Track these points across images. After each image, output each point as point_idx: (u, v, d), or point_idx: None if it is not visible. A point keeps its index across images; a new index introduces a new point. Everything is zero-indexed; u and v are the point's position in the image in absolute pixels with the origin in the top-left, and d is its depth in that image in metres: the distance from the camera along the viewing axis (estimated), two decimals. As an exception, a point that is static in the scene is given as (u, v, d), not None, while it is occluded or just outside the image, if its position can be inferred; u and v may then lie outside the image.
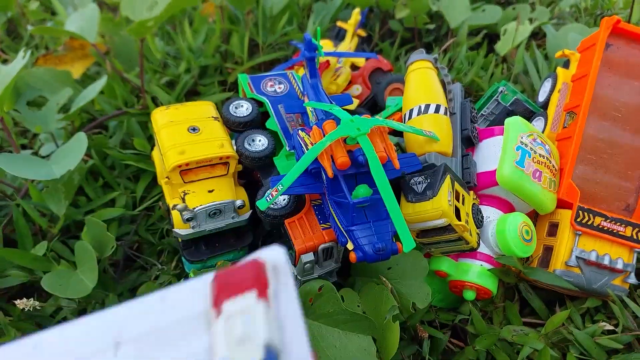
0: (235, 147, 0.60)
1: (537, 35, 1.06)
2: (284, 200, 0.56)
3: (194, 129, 0.61)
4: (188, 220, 0.56)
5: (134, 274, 0.69)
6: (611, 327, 0.53)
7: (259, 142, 0.61)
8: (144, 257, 0.71)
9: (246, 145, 0.60)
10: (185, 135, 0.59)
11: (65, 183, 0.67)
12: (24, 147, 0.93)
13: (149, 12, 0.79)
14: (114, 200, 0.75)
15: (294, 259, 0.54)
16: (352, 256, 0.46)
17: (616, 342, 0.52)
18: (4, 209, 0.73)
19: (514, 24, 0.89)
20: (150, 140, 0.82)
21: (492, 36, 1.06)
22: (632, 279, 0.57)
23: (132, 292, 0.66)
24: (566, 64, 0.72)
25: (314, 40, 0.63)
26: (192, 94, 0.92)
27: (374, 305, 0.54)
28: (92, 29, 0.81)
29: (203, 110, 0.64)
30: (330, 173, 0.45)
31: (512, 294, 0.63)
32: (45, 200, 0.67)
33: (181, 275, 0.68)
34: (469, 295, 0.57)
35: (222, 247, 0.62)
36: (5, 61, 1.12)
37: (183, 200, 0.57)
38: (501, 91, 0.75)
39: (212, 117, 0.63)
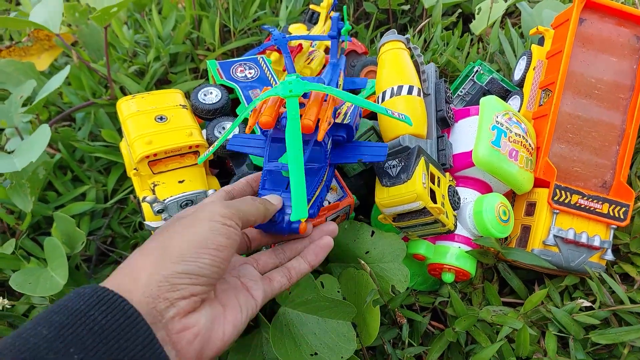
0: (205, 136, 0.59)
1: (512, 14, 1.05)
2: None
3: (161, 118, 0.59)
4: (159, 212, 0.54)
5: (108, 268, 0.67)
6: (589, 304, 0.53)
7: (230, 130, 0.59)
8: (117, 250, 0.69)
9: (216, 134, 0.58)
10: (153, 124, 0.57)
11: (30, 178, 0.64)
12: (-11, 143, 0.89)
13: (113, -1, 0.76)
14: (84, 194, 0.73)
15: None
16: None
17: (593, 318, 0.52)
18: (-32, 208, 0.71)
19: (488, 2, 0.88)
20: (120, 131, 0.79)
21: (467, 16, 1.05)
22: (609, 256, 0.57)
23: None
24: (541, 41, 0.71)
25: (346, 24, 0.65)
26: (162, 83, 0.90)
27: (354, 290, 0.54)
28: (56, 19, 0.78)
29: (170, 98, 0.62)
30: (247, 129, 0.44)
31: (491, 274, 0.62)
32: (10, 197, 0.64)
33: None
34: (448, 277, 0.57)
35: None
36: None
37: (153, 191, 0.55)
38: (477, 71, 0.74)
39: (180, 105, 0.61)
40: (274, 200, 0.42)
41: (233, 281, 0.38)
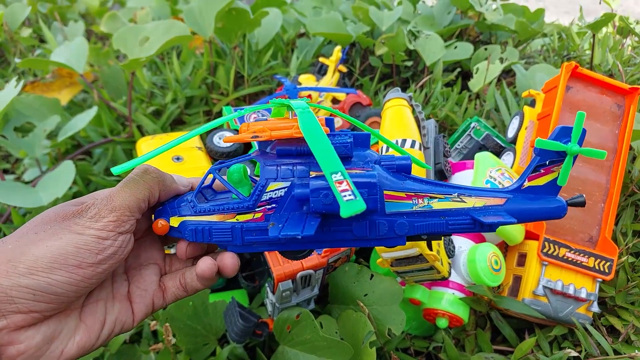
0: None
1: (509, 73, 1.12)
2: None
3: (177, 158, 0.63)
4: (169, 248, 0.57)
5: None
6: (576, 354, 0.56)
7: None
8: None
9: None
10: (170, 164, 0.61)
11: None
12: (5, 171, 0.93)
13: (141, 46, 0.82)
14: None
15: (273, 287, 0.55)
16: None
17: (580, 369, 0.54)
18: (-15, 234, 0.74)
19: (486, 63, 0.95)
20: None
21: (465, 73, 1.12)
22: (595, 308, 0.60)
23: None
24: (533, 103, 0.77)
25: None
26: (177, 123, 0.95)
27: (352, 331, 0.56)
28: (80, 60, 0.84)
29: (187, 140, 0.66)
30: (235, 138, 0.34)
31: (484, 322, 0.65)
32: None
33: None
34: (442, 322, 0.59)
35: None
36: (-9, 87, 1.13)
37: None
38: (473, 127, 0.79)
39: (196, 147, 0.65)
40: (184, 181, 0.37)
41: (118, 289, 0.34)
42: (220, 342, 0.62)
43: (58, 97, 1.05)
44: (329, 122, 0.35)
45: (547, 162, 0.33)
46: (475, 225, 0.34)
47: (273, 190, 0.32)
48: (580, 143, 0.32)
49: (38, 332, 0.29)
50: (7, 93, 0.70)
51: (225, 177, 0.35)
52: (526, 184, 0.35)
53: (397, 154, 0.36)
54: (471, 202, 0.35)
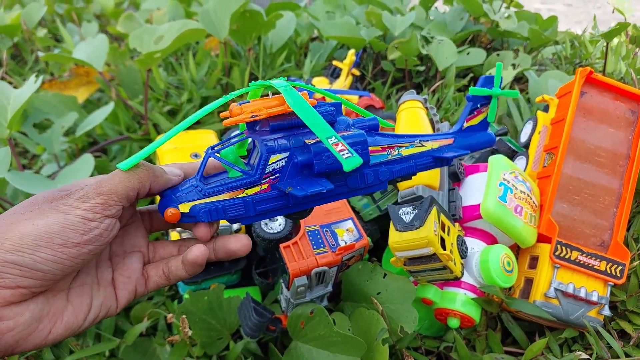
0: None
1: (520, 80, 1.13)
2: (280, 225, 0.59)
3: (196, 155, 0.64)
4: (182, 232, 0.58)
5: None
6: (587, 357, 0.56)
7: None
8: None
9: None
10: (188, 160, 0.62)
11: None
12: (23, 167, 0.95)
13: (156, 45, 0.83)
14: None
15: (288, 283, 0.56)
16: None
17: (591, 371, 0.54)
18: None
19: (499, 69, 0.96)
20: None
21: (477, 79, 1.12)
22: (606, 311, 0.60)
23: (126, 311, 0.68)
24: (546, 108, 0.77)
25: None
26: (192, 123, 0.96)
27: (364, 328, 0.56)
28: (100, 57, 0.86)
29: (205, 138, 0.68)
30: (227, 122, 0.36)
31: (494, 323, 0.65)
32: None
33: (175, 297, 0.70)
34: (453, 322, 0.60)
35: (217, 270, 0.65)
36: (9, 84, 1.15)
37: (183, 222, 0.60)
38: (486, 131, 0.80)
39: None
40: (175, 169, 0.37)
41: (102, 274, 0.35)
42: (233, 337, 0.62)
43: (75, 95, 1.07)
44: (311, 94, 0.39)
45: (479, 105, 0.43)
46: (436, 161, 0.43)
47: (274, 162, 0.35)
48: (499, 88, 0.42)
49: (27, 309, 0.30)
50: (27, 89, 0.72)
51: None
52: (465, 125, 0.45)
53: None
54: (429, 145, 0.43)
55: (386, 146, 0.40)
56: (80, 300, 0.33)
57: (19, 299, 0.29)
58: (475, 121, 0.44)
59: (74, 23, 1.47)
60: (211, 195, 0.35)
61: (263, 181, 0.36)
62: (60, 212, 0.30)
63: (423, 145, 0.42)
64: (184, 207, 0.35)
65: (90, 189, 0.32)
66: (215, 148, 0.37)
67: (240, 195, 0.36)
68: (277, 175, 0.36)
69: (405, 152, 0.41)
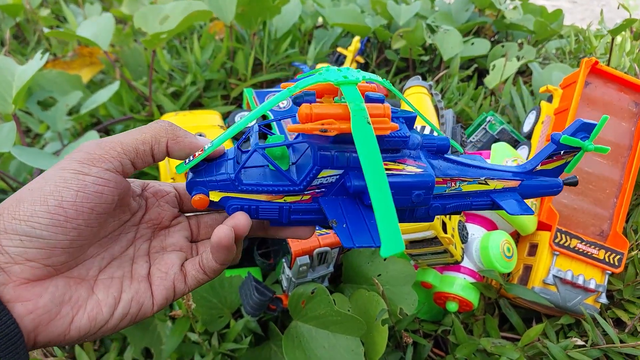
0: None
1: (524, 72, 1.13)
2: None
3: (200, 135, 0.64)
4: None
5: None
6: (582, 343, 0.57)
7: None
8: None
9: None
10: (193, 140, 0.63)
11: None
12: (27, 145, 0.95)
13: (161, 25, 0.83)
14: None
15: (290, 262, 0.57)
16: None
17: (586, 357, 0.55)
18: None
19: (503, 60, 0.96)
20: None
21: (481, 71, 1.13)
22: (603, 299, 0.61)
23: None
24: (549, 99, 0.78)
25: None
26: (195, 105, 0.96)
27: (364, 309, 0.57)
28: (106, 37, 0.85)
29: (209, 118, 0.68)
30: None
31: (492, 309, 0.66)
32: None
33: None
34: (452, 306, 0.61)
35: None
36: (13, 63, 1.14)
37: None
38: (489, 120, 0.80)
39: (219, 125, 0.66)
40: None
41: (138, 269, 0.32)
42: (234, 316, 0.63)
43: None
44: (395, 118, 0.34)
45: (562, 152, 0.36)
46: (494, 205, 0.37)
47: (325, 177, 0.32)
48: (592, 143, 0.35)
49: (46, 291, 0.27)
50: (31, 66, 0.72)
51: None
52: (539, 167, 0.37)
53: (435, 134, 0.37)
54: (493, 185, 0.37)
55: (449, 179, 0.35)
56: (107, 293, 0.30)
57: (34, 276, 0.27)
58: (550, 166, 0.38)
59: (76, 4, 1.47)
60: (248, 193, 0.32)
61: (306, 192, 0.32)
62: (56, 169, 0.28)
63: (487, 184, 0.37)
64: (214, 196, 0.32)
65: (94, 144, 0.29)
66: (261, 144, 0.32)
67: (278, 201, 0.32)
68: (324, 190, 0.32)
69: (465, 187, 0.36)
